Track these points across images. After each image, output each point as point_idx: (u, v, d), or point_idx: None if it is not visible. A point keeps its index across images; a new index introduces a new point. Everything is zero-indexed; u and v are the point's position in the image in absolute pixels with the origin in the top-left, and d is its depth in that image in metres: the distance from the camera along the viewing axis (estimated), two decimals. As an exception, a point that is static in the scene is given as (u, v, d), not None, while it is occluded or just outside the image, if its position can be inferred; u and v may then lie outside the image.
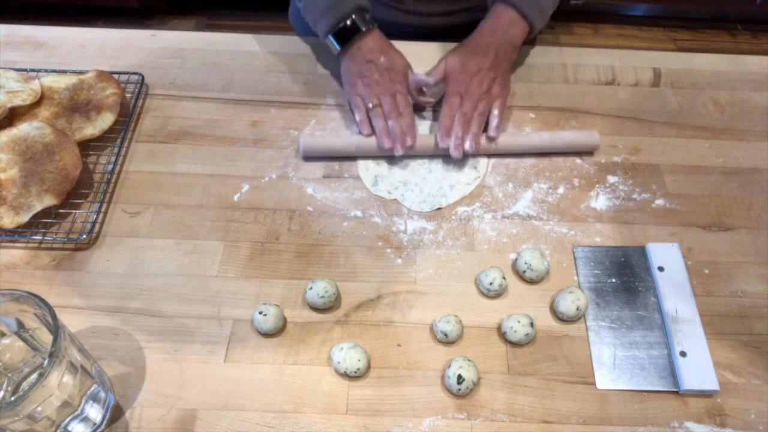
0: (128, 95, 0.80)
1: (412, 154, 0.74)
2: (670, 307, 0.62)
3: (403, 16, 0.90)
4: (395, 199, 0.72)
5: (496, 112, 0.74)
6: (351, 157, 0.75)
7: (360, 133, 0.75)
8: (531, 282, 0.65)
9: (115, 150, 0.74)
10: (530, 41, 0.86)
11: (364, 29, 0.75)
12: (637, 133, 0.79)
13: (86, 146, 0.74)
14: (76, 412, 0.51)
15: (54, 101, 0.76)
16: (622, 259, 0.67)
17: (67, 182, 0.68)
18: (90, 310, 0.62)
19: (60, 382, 0.47)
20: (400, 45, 0.80)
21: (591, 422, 0.56)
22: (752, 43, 2.15)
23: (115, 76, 0.80)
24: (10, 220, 0.65)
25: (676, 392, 0.58)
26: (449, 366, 0.57)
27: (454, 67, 0.76)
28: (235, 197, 0.71)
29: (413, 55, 0.80)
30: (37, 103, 0.75)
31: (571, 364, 0.60)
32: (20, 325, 0.51)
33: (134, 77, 0.81)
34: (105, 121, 0.75)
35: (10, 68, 0.79)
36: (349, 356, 0.57)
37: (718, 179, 0.75)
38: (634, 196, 0.73)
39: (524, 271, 0.65)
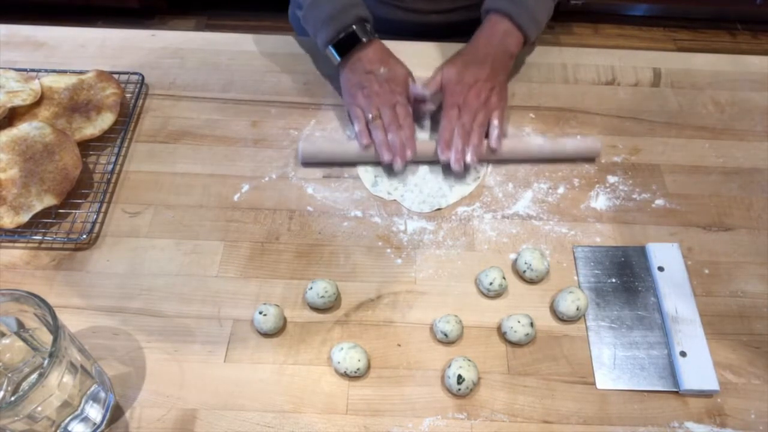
0: (128, 95, 0.80)
1: (413, 161, 0.74)
2: (670, 307, 0.62)
3: (402, 14, 0.90)
4: (395, 200, 0.72)
5: (496, 122, 0.73)
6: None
7: (359, 144, 0.74)
8: (531, 282, 0.65)
9: (115, 150, 0.74)
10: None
11: (364, 40, 0.75)
12: (637, 133, 0.79)
13: (86, 146, 0.74)
14: (76, 412, 0.51)
15: (54, 101, 0.76)
16: (622, 259, 0.67)
17: (67, 182, 0.68)
18: (90, 310, 0.62)
19: (60, 382, 0.47)
20: (399, 45, 0.80)
21: (591, 422, 0.56)
22: (752, 43, 2.15)
23: (115, 76, 0.80)
24: (10, 220, 0.65)
25: (676, 392, 0.58)
26: (449, 366, 0.57)
27: (450, 78, 0.75)
28: (235, 197, 0.71)
29: (412, 54, 0.80)
30: (37, 103, 0.75)
31: (571, 364, 0.60)
32: (20, 325, 0.51)
33: (134, 77, 0.81)
34: (105, 121, 0.75)
35: (10, 68, 0.79)
36: (349, 356, 0.57)
37: (718, 179, 0.75)
38: (634, 196, 0.73)
39: (524, 271, 0.65)
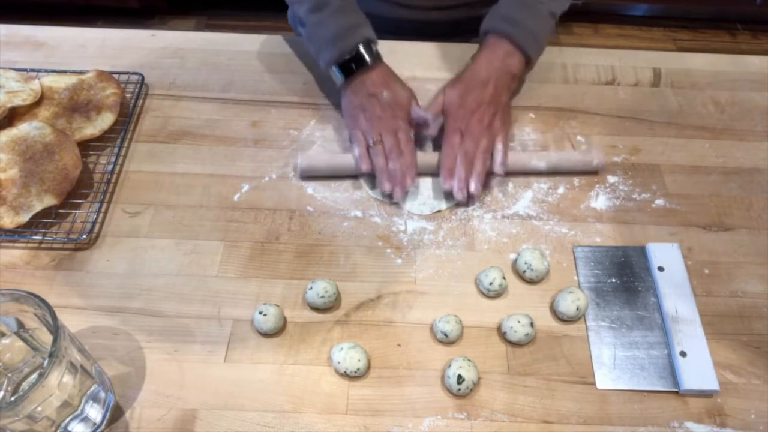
0: (128, 95, 0.80)
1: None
2: (670, 307, 0.62)
3: (403, 11, 0.90)
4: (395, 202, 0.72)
5: (500, 146, 0.71)
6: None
7: (359, 168, 0.72)
8: (531, 282, 0.65)
9: (115, 150, 0.74)
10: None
11: (370, 62, 0.73)
12: (637, 133, 0.79)
13: (86, 146, 0.74)
14: (76, 412, 0.51)
15: (54, 101, 0.76)
16: (622, 259, 0.67)
17: (67, 182, 0.68)
18: (90, 310, 0.62)
19: (60, 382, 0.47)
20: (400, 44, 0.80)
21: (591, 422, 0.56)
22: (752, 43, 2.15)
23: (115, 76, 0.80)
24: (10, 220, 0.65)
25: (676, 392, 0.58)
26: (449, 366, 0.57)
27: (452, 101, 0.73)
28: (235, 197, 0.71)
29: (413, 54, 0.80)
30: (37, 103, 0.75)
31: (571, 364, 0.60)
32: (20, 325, 0.51)
33: (134, 77, 0.81)
34: (105, 121, 0.75)
35: (10, 68, 0.79)
36: (349, 356, 0.57)
37: (718, 179, 0.75)
38: (634, 196, 0.73)
39: (524, 271, 0.65)
